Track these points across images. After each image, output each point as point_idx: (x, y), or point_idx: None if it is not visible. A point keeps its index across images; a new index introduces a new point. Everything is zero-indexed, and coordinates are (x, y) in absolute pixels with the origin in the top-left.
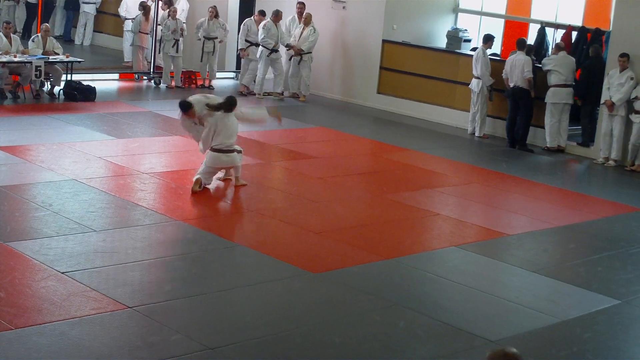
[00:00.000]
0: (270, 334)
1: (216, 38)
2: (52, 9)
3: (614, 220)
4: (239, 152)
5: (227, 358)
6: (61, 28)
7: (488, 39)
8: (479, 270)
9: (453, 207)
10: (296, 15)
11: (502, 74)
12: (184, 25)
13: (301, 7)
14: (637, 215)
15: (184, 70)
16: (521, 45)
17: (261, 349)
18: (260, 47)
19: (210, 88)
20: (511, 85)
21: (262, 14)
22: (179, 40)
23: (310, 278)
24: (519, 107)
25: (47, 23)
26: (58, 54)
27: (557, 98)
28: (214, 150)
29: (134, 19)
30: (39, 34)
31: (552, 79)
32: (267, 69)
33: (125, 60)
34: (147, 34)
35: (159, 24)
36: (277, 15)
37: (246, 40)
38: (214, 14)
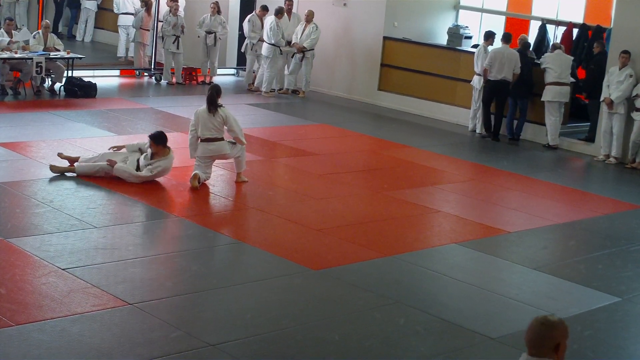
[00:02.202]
0: (271, 330)
1: (217, 32)
2: (61, 6)
3: (615, 217)
4: (233, 143)
5: (228, 355)
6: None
7: (489, 36)
8: (479, 268)
9: (453, 204)
10: (285, 13)
11: (485, 65)
12: (184, 22)
13: (290, 4)
14: (638, 212)
15: (184, 66)
16: (508, 39)
17: (262, 346)
18: (271, 46)
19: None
20: (498, 77)
21: (265, 9)
22: (179, 36)
23: (310, 275)
24: (494, 98)
25: (59, 20)
26: (59, 50)
27: (551, 96)
28: (201, 140)
29: (131, 14)
30: (40, 31)
31: (547, 77)
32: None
33: (118, 55)
34: (148, 30)
35: (161, 21)
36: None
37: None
38: (216, 9)
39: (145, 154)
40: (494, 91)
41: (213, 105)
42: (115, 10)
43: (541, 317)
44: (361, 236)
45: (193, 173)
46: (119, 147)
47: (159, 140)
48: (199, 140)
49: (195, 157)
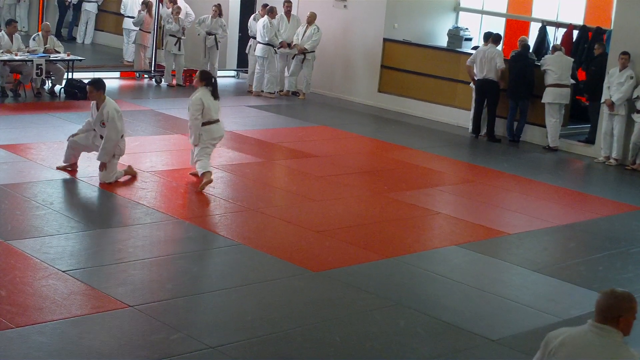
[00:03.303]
0: (271, 332)
1: (217, 34)
2: (65, 9)
3: (615, 219)
4: None
5: (228, 357)
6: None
7: (489, 37)
8: (480, 269)
9: (453, 206)
10: (284, 14)
11: (467, 62)
12: (186, 24)
13: (288, 5)
14: (638, 214)
15: (185, 68)
16: (495, 39)
17: (262, 348)
18: (266, 46)
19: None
20: (481, 76)
21: (266, 7)
22: (181, 38)
23: (310, 277)
24: (485, 98)
25: (62, 23)
26: (59, 52)
27: (551, 98)
28: (205, 124)
29: (132, 17)
30: (40, 33)
31: (548, 79)
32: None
33: (123, 58)
34: (149, 32)
35: (163, 23)
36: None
37: (253, 37)
38: (218, 12)
39: (92, 119)
40: (481, 90)
41: (217, 89)
42: (122, 11)
43: (611, 288)
44: (361, 238)
45: (206, 171)
46: (75, 134)
47: (99, 85)
48: (204, 124)
49: (204, 141)
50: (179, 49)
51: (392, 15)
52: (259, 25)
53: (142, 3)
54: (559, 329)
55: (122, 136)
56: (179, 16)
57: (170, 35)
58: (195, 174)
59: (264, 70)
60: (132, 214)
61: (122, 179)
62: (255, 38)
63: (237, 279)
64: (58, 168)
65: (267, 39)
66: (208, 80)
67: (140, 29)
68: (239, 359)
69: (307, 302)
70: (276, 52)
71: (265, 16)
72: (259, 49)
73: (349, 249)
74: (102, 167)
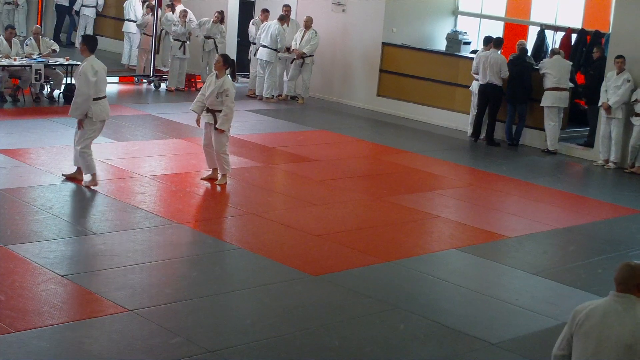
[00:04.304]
0: (271, 336)
1: (216, 38)
2: (64, 14)
3: (614, 222)
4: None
5: None
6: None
7: (488, 41)
8: (479, 273)
9: (453, 210)
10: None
11: (472, 71)
12: (191, 28)
13: (287, 9)
14: (637, 217)
15: (186, 73)
16: (496, 43)
17: (261, 352)
18: (273, 51)
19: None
20: (484, 81)
21: (267, 12)
22: (186, 42)
23: (310, 281)
24: (487, 102)
25: (60, 28)
26: (56, 51)
27: (550, 101)
28: None
29: (132, 21)
30: (31, 37)
31: (546, 82)
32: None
33: (122, 62)
34: (151, 36)
35: (162, 27)
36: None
37: (253, 43)
38: (219, 19)
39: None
40: (484, 95)
41: (235, 71)
42: (127, 15)
43: (625, 262)
44: (361, 242)
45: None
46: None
47: (86, 40)
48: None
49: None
50: (184, 53)
51: (390, 19)
52: (270, 30)
53: (147, 6)
54: (584, 303)
55: (102, 98)
56: (185, 20)
57: (175, 39)
58: (206, 179)
59: (266, 74)
60: (131, 218)
61: (84, 180)
62: (254, 43)
63: (236, 282)
64: (66, 176)
65: (280, 45)
66: (230, 64)
67: (143, 33)
68: None
69: (306, 306)
70: (279, 59)
71: (277, 22)
72: (265, 54)
73: (348, 253)
74: (79, 125)
